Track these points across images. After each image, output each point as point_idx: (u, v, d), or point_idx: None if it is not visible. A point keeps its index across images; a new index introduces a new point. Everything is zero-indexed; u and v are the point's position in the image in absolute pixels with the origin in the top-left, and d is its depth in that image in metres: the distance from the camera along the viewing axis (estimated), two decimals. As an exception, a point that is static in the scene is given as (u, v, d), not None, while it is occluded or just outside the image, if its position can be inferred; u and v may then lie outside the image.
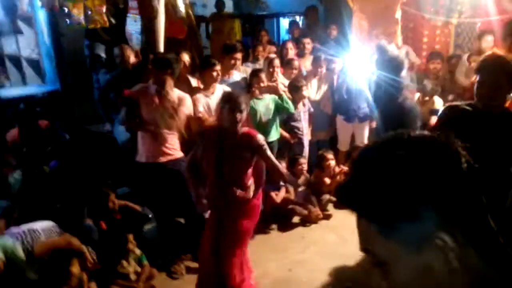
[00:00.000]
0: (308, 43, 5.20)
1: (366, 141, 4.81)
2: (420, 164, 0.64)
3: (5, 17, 5.88)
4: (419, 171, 0.63)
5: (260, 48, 5.17)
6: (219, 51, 4.57)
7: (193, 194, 3.04)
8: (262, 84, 4.08)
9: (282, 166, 4.33)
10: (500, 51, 4.41)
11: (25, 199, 3.35)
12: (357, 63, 4.44)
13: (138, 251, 3.31)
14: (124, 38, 5.39)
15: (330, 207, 4.42)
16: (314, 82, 4.75)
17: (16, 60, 6.63)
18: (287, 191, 4.30)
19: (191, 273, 3.35)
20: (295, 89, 4.33)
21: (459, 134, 0.69)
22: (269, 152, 2.86)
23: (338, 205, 4.28)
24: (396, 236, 0.64)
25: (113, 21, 4.98)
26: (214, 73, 3.88)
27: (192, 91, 3.89)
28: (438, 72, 4.97)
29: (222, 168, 2.77)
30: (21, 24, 6.11)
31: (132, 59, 4.52)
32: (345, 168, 4.54)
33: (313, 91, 4.74)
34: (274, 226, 4.17)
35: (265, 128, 4.19)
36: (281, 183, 4.27)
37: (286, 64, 4.64)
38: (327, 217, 4.29)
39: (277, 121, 4.29)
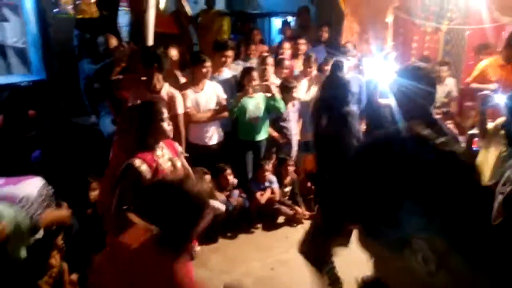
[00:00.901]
0: (303, 44, 5.20)
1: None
2: (397, 164, 0.64)
3: (-10, 5, 5.76)
4: (397, 172, 0.63)
5: (253, 47, 5.15)
6: (207, 48, 4.54)
7: None
8: (254, 82, 4.06)
9: (270, 166, 4.34)
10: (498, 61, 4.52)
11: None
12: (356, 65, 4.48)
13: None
14: (116, 30, 5.32)
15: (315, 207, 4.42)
16: (304, 82, 4.74)
17: (1, 48, 6.49)
18: (273, 192, 4.30)
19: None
20: (286, 89, 4.32)
21: None
22: None
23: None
24: (381, 238, 0.66)
25: (105, 13, 4.91)
26: (204, 70, 3.88)
27: (181, 87, 3.86)
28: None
29: None
30: (8, 12, 5.99)
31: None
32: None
33: (303, 91, 4.74)
34: (259, 225, 4.18)
35: (253, 127, 4.18)
36: (267, 183, 4.27)
37: (277, 63, 4.63)
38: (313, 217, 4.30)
39: (267, 120, 4.29)
